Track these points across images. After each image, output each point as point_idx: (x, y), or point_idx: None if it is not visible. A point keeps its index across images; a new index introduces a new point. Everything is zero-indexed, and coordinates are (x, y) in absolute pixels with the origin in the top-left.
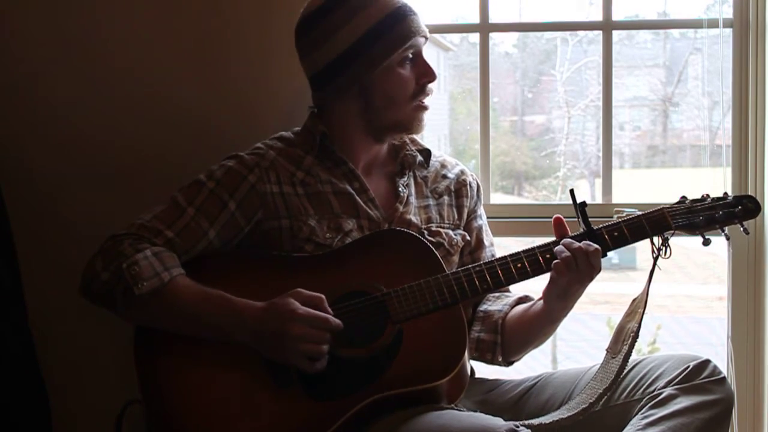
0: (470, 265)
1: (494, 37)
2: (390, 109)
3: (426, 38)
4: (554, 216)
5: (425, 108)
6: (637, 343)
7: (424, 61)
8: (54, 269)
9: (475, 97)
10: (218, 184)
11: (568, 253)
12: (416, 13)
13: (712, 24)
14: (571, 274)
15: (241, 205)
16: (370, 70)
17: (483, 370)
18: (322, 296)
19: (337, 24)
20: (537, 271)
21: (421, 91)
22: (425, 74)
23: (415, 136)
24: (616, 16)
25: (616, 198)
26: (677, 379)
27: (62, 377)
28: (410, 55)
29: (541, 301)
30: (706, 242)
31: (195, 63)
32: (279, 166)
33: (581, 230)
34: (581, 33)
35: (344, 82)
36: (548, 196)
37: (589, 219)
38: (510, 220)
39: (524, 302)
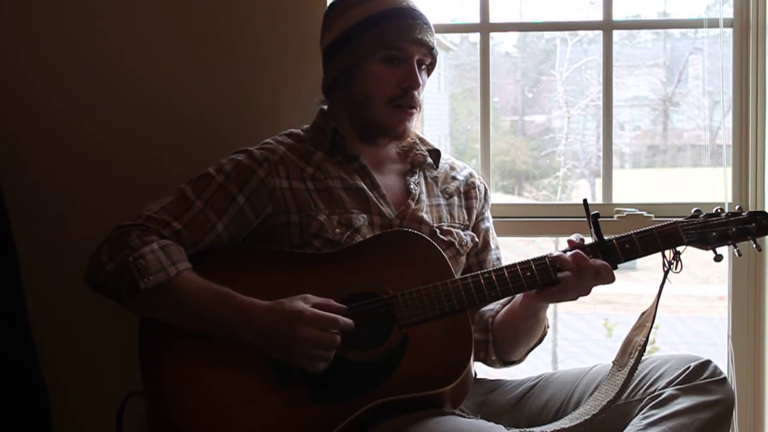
0: (479, 272)
1: (494, 37)
2: (366, 105)
3: (429, 49)
4: (568, 239)
5: (407, 113)
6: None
7: (411, 68)
8: (54, 268)
9: (475, 97)
10: (227, 178)
11: (575, 268)
12: (417, 20)
13: (713, 24)
14: (576, 290)
15: (250, 200)
16: (352, 59)
17: (484, 371)
18: (332, 301)
19: (341, 11)
20: (546, 282)
21: (402, 96)
22: (406, 79)
23: (424, 137)
24: (617, 15)
25: (617, 198)
26: (678, 380)
27: (62, 376)
28: (397, 58)
29: (521, 295)
30: (718, 258)
31: (198, 63)
32: (288, 162)
33: (593, 241)
34: (581, 33)
35: (333, 68)
36: (548, 196)
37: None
38: (510, 220)
39: None
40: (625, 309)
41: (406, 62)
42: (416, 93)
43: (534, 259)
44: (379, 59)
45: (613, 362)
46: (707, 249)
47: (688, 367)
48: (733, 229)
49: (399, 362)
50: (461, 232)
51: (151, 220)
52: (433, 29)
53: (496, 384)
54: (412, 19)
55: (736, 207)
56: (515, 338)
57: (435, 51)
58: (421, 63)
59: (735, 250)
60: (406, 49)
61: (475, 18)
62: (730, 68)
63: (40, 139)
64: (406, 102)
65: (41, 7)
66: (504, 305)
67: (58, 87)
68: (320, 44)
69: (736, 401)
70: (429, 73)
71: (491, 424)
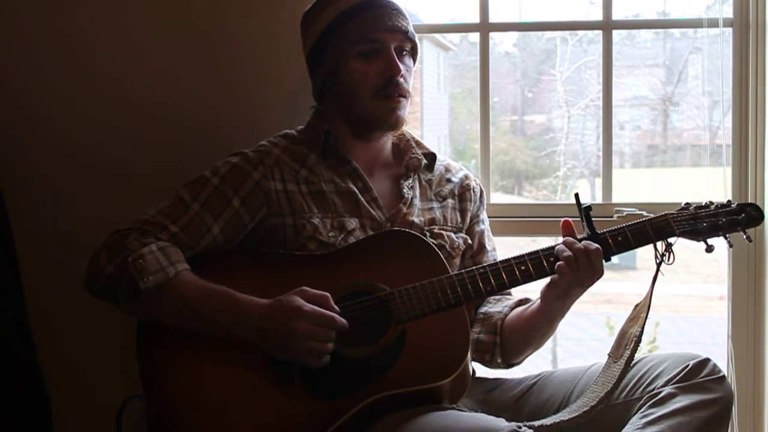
0: (474, 267)
1: (494, 36)
2: (353, 103)
3: (404, 33)
4: (563, 220)
5: (394, 102)
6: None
7: (389, 57)
8: (54, 268)
9: (475, 97)
10: (223, 181)
11: (569, 252)
12: (384, 7)
13: (712, 24)
14: (573, 275)
15: (245, 202)
16: (331, 61)
17: (484, 370)
18: (328, 294)
19: (313, 17)
20: (540, 274)
21: (385, 86)
22: (386, 69)
23: (420, 140)
24: (616, 15)
25: (616, 198)
26: (677, 378)
27: (62, 376)
28: (374, 50)
29: (539, 301)
30: (709, 249)
31: (197, 64)
32: (283, 164)
33: (585, 234)
34: (581, 33)
35: (317, 74)
36: (548, 195)
37: (592, 220)
38: (510, 220)
39: (524, 304)
40: (626, 308)
41: (383, 52)
42: (401, 80)
43: (528, 254)
44: (357, 55)
45: (608, 354)
46: (699, 240)
47: (687, 366)
48: (723, 219)
49: (396, 358)
50: (453, 235)
51: (148, 224)
52: (404, 13)
53: (496, 383)
54: (380, 8)
55: (726, 200)
56: (525, 342)
57: (411, 34)
58: (401, 49)
59: (727, 241)
60: (380, 40)
61: (474, 18)
62: (730, 68)
63: (39, 140)
64: (391, 91)
65: (41, 9)
66: (512, 308)
67: (58, 89)
68: (303, 53)
69: (736, 400)
70: (414, 58)
71: (492, 417)
